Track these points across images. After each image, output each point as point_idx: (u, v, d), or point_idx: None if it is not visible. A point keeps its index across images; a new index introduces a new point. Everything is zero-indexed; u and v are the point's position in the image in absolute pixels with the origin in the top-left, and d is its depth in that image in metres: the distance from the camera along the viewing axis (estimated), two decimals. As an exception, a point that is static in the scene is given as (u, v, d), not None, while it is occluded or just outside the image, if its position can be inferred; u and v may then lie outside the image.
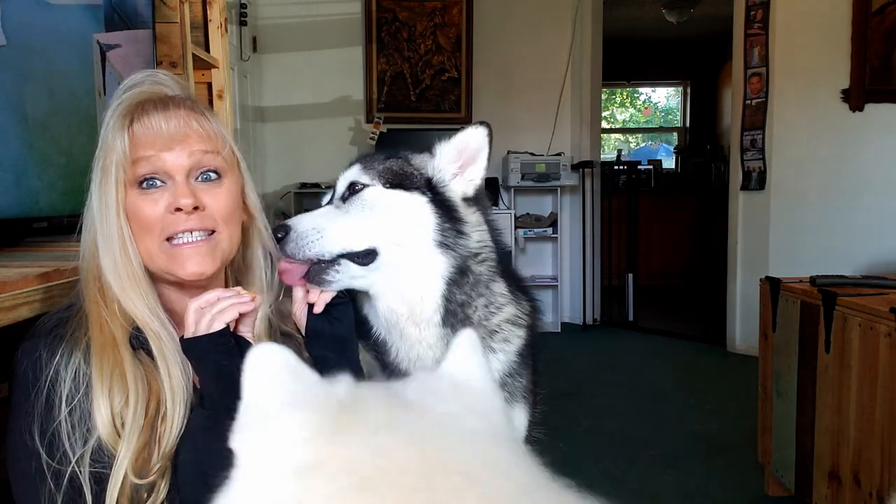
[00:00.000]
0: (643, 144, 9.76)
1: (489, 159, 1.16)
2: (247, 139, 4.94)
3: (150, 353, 0.98)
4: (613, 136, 9.79)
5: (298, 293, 1.11)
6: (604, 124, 8.80)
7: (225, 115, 2.35)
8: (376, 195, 1.10)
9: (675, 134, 9.47)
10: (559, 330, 5.38)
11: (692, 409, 3.56)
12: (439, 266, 1.10)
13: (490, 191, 4.61)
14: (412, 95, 5.51)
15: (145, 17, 1.70)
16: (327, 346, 1.08)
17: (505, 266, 1.19)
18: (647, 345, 5.03)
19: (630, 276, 5.62)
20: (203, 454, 0.90)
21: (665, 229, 6.98)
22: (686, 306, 6.11)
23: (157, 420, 0.95)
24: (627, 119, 10.06)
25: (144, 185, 0.98)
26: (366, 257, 1.09)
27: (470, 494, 0.38)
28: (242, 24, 4.90)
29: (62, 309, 1.01)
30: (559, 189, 5.35)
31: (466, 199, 1.16)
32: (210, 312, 0.95)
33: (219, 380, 0.91)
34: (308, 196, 5.20)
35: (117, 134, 0.96)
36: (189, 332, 0.95)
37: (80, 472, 0.91)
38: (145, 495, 0.92)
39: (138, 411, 0.93)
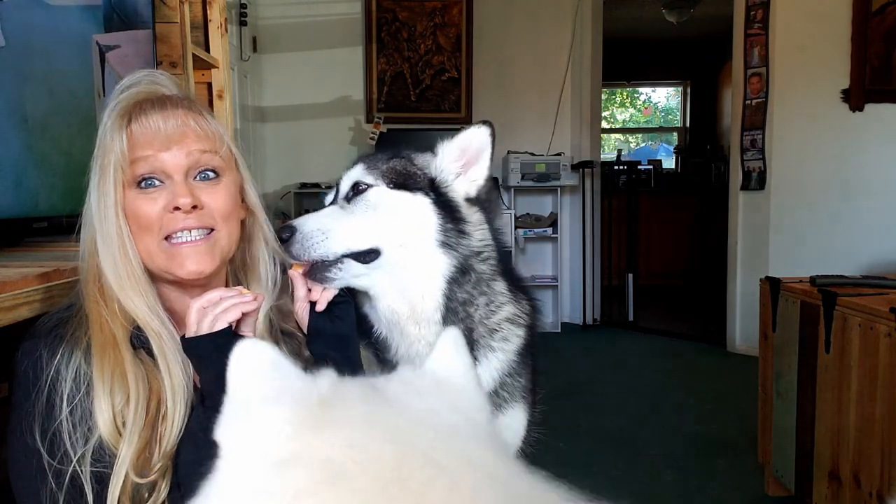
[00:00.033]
0: (643, 144, 9.76)
1: (491, 159, 1.16)
2: (247, 139, 4.94)
3: (150, 353, 0.98)
4: (613, 136, 9.79)
5: (300, 292, 1.11)
6: (604, 124, 8.80)
7: (225, 115, 2.34)
8: (380, 195, 1.10)
9: (675, 134, 9.47)
10: (559, 330, 5.38)
11: (692, 409, 3.56)
12: (441, 266, 1.10)
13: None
14: (412, 95, 5.51)
15: (145, 17, 1.70)
16: (329, 344, 1.08)
17: (505, 265, 1.19)
18: (647, 345, 5.03)
19: (630, 276, 5.62)
20: (204, 453, 0.90)
21: (665, 229, 6.98)
22: (686, 306, 6.11)
23: (158, 419, 0.95)
24: (627, 119, 10.06)
25: (143, 184, 0.98)
26: (368, 255, 1.09)
27: (441, 485, 0.39)
28: (242, 24, 4.91)
29: (62, 309, 1.01)
30: (559, 189, 5.35)
31: (469, 199, 1.16)
32: (213, 312, 0.95)
33: (220, 379, 0.91)
34: (308, 196, 5.21)
35: (115, 134, 0.96)
36: (191, 332, 0.95)
37: (82, 471, 0.91)
38: (146, 495, 0.93)
39: (139, 410, 0.93)
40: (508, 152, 5.24)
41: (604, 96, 8.03)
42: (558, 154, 5.33)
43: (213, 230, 1.02)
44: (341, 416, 0.43)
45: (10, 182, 1.31)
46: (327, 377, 0.47)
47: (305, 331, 1.12)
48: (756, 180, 4.46)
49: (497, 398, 1.16)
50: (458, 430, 0.46)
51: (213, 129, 1.03)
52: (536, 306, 1.23)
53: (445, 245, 1.10)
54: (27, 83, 1.38)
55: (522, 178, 5.18)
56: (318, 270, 1.08)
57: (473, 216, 1.15)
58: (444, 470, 0.40)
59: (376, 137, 5.15)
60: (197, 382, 0.99)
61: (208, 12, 2.30)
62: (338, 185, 1.16)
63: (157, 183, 0.99)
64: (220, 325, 0.94)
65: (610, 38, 5.74)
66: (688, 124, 9.11)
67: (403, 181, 1.12)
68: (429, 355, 0.54)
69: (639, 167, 7.01)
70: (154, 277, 1.03)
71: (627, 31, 7.26)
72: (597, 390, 3.94)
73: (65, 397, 0.92)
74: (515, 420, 1.18)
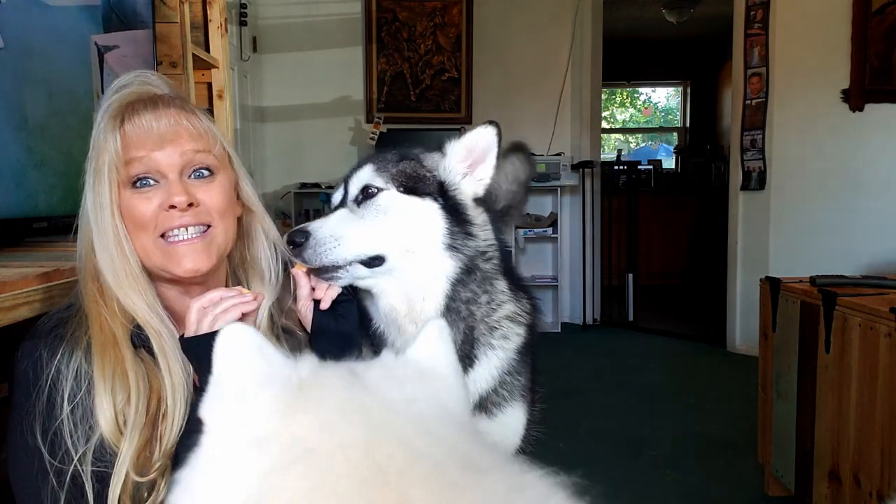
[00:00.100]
0: (643, 144, 9.76)
1: (497, 159, 1.16)
2: (247, 139, 4.94)
3: (150, 351, 0.98)
4: (613, 136, 9.79)
5: (304, 290, 1.11)
6: (604, 124, 8.80)
7: (225, 115, 2.35)
8: (390, 200, 1.10)
9: (675, 134, 9.47)
10: (559, 330, 5.38)
11: (692, 409, 3.56)
12: (446, 268, 1.11)
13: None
14: (412, 95, 5.51)
15: (144, 17, 1.70)
16: (333, 342, 1.09)
17: (506, 265, 1.20)
18: (647, 345, 5.03)
19: (630, 276, 5.61)
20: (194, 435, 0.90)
21: (665, 229, 6.98)
22: (686, 306, 6.11)
23: (159, 417, 0.96)
24: (627, 119, 10.06)
25: (138, 184, 0.99)
26: (374, 261, 1.09)
27: (418, 470, 0.41)
28: (242, 24, 4.91)
29: (62, 309, 1.01)
30: (559, 189, 5.35)
31: (476, 200, 1.16)
32: (212, 312, 0.95)
33: None
34: (308, 196, 5.21)
35: (109, 135, 0.97)
36: (190, 332, 0.95)
37: (83, 470, 0.91)
38: (146, 494, 0.93)
39: (140, 409, 0.94)
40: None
41: (604, 96, 8.03)
42: (558, 154, 5.33)
43: (209, 227, 1.02)
44: (318, 400, 0.46)
45: (9, 182, 1.31)
46: (308, 362, 0.50)
47: (309, 329, 1.12)
48: (756, 180, 4.46)
49: (497, 396, 1.16)
50: (436, 417, 0.48)
51: (206, 128, 1.03)
52: (537, 305, 1.24)
53: (452, 248, 1.10)
54: (26, 84, 1.38)
55: (522, 178, 5.17)
56: (325, 271, 1.08)
57: (479, 217, 1.16)
58: (421, 455, 0.42)
59: (376, 137, 5.15)
60: (196, 382, 0.99)
61: (208, 12, 2.31)
62: (346, 184, 1.15)
63: (151, 182, 0.99)
64: (220, 325, 0.94)
65: (610, 38, 5.74)
66: (688, 124, 9.11)
67: (413, 185, 1.11)
68: (410, 338, 0.56)
69: (639, 167, 7.01)
70: (153, 277, 1.03)
71: (627, 31, 7.26)
72: (597, 390, 3.94)
73: (66, 396, 0.92)
74: (515, 419, 1.19)
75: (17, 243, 1.44)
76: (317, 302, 1.11)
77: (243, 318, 1.00)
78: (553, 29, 5.51)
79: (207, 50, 2.29)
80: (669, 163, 8.72)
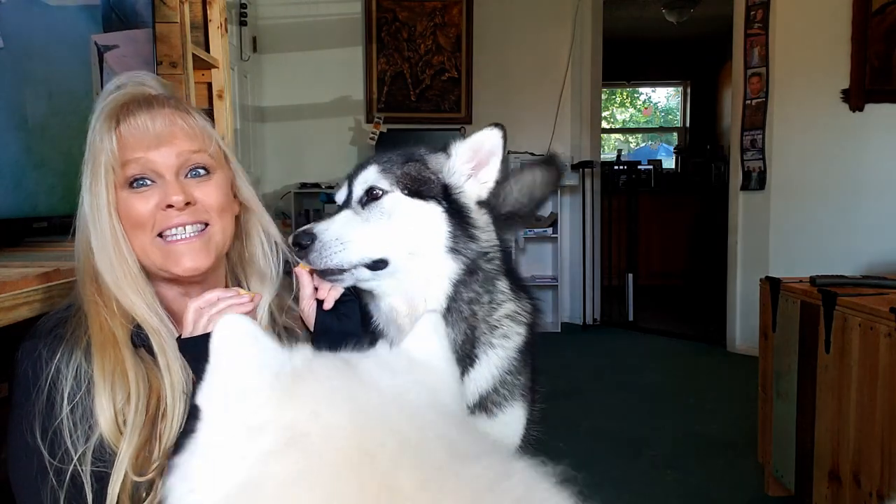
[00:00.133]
0: (643, 144, 9.76)
1: (502, 161, 1.16)
2: (247, 139, 4.94)
3: (150, 351, 0.98)
4: (613, 136, 9.79)
5: (307, 290, 1.11)
6: (604, 124, 8.79)
7: (225, 115, 2.35)
8: (395, 203, 1.10)
9: (675, 134, 9.47)
10: (559, 330, 5.38)
11: (692, 409, 3.56)
12: (448, 270, 1.11)
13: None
14: (412, 95, 5.51)
15: (144, 17, 1.70)
16: (335, 342, 1.08)
17: (507, 265, 1.20)
18: (647, 345, 5.03)
19: (630, 276, 5.61)
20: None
21: (665, 229, 6.98)
22: (686, 306, 6.11)
23: (158, 417, 0.96)
24: (627, 119, 10.06)
25: (135, 184, 0.99)
26: (377, 264, 1.09)
27: (407, 458, 0.42)
28: (242, 24, 4.91)
29: (61, 309, 1.01)
30: (559, 189, 5.35)
31: (479, 202, 1.16)
32: (209, 313, 0.95)
33: None
34: (308, 196, 5.20)
35: (105, 136, 0.97)
36: (187, 332, 0.95)
37: (82, 470, 0.91)
38: (144, 494, 0.93)
39: (140, 408, 0.94)
40: (508, 152, 5.15)
41: (604, 96, 8.03)
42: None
43: (207, 225, 1.03)
44: (311, 388, 0.47)
45: (9, 183, 1.31)
46: (302, 352, 0.51)
47: (312, 328, 1.12)
48: (756, 180, 4.46)
49: (497, 396, 1.16)
50: (426, 406, 0.49)
51: (201, 127, 1.04)
52: (537, 305, 1.24)
53: (454, 251, 1.10)
54: (26, 84, 1.38)
55: (522, 178, 5.17)
56: (329, 273, 1.08)
57: (482, 219, 1.16)
58: (410, 443, 0.43)
59: (376, 137, 5.15)
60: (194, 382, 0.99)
61: (208, 12, 2.31)
62: (350, 183, 1.15)
63: (148, 182, 1.00)
64: (214, 325, 0.94)
65: (610, 38, 5.74)
66: (688, 124, 9.11)
67: (418, 188, 1.11)
68: (407, 335, 0.57)
69: (639, 167, 7.02)
70: (152, 277, 1.03)
71: (627, 31, 7.26)
72: (597, 390, 3.94)
73: (65, 396, 0.92)
74: (515, 418, 1.19)
75: (17, 243, 1.44)
76: (320, 302, 1.11)
77: None
78: (553, 29, 5.51)
79: (207, 50, 2.29)
80: (669, 163, 8.72)
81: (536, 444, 1.25)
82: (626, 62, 7.95)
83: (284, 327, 1.13)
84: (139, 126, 0.98)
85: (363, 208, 1.11)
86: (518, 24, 5.49)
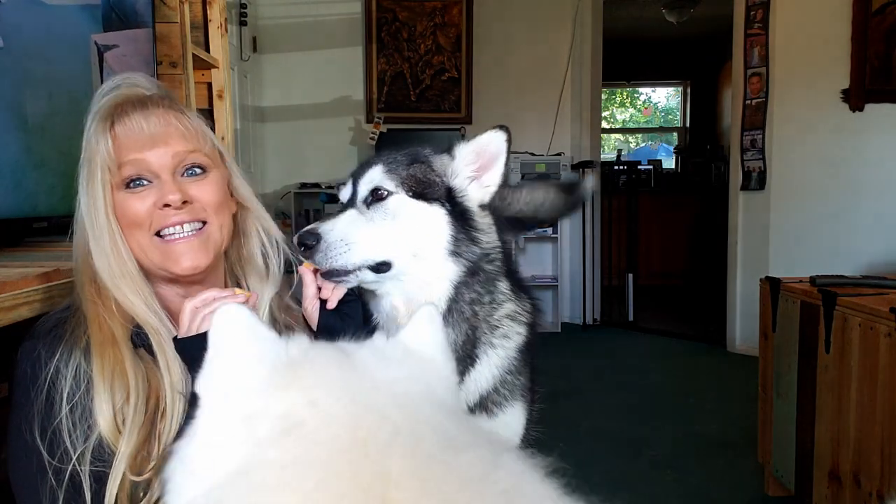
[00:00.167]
0: (643, 144, 9.76)
1: (506, 165, 1.16)
2: (247, 139, 4.94)
3: (150, 351, 0.98)
4: (613, 136, 9.79)
5: (310, 289, 1.11)
6: (604, 124, 8.80)
7: (225, 115, 2.35)
8: (400, 205, 1.10)
9: (675, 134, 9.47)
10: (559, 330, 5.38)
11: (692, 409, 3.56)
12: (450, 273, 1.11)
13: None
14: (412, 95, 5.51)
15: (144, 16, 1.70)
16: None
17: (508, 265, 1.20)
18: (647, 345, 5.03)
19: (630, 276, 5.61)
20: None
21: (665, 229, 6.98)
22: (686, 306, 6.11)
23: (157, 416, 0.96)
24: (627, 119, 10.06)
25: (131, 185, 1.00)
26: (381, 266, 1.09)
27: (398, 446, 0.43)
28: (242, 24, 4.91)
29: (60, 310, 1.01)
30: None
31: (482, 206, 1.16)
32: (203, 312, 0.95)
33: None
34: (308, 196, 5.20)
35: (100, 137, 0.98)
36: (183, 332, 0.95)
37: (81, 469, 0.91)
38: (142, 494, 0.93)
39: (139, 407, 0.94)
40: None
41: (604, 96, 8.03)
42: (558, 154, 5.33)
43: (205, 223, 1.03)
44: (306, 377, 0.48)
45: (9, 183, 1.31)
46: (299, 342, 0.53)
47: (315, 328, 1.12)
48: (756, 180, 4.46)
49: (497, 396, 1.16)
50: (420, 397, 0.50)
51: (196, 126, 1.04)
52: (538, 306, 1.24)
53: (455, 254, 1.11)
54: (26, 84, 1.38)
55: (522, 177, 5.16)
56: (334, 275, 1.08)
57: (484, 221, 1.16)
58: (402, 432, 0.44)
59: (376, 137, 5.15)
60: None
61: (208, 12, 2.31)
62: (355, 182, 1.15)
63: (145, 182, 1.00)
64: (206, 325, 0.94)
65: (610, 38, 5.74)
66: (688, 124, 9.11)
67: (422, 190, 1.11)
68: (403, 327, 0.58)
69: (639, 167, 7.02)
70: (152, 277, 1.03)
71: (627, 31, 7.26)
72: (597, 390, 3.94)
73: (64, 395, 0.92)
74: (514, 418, 1.19)
75: (17, 243, 1.44)
76: (323, 301, 1.11)
77: None
78: (553, 29, 5.51)
79: (207, 50, 2.29)
80: (669, 163, 8.72)
81: (536, 444, 1.25)
82: (626, 62, 7.95)
83: (285, 326, 1.13)
84: (133, 126, 0.99)
85: (368, 208, 1.11)
86: (518, 24, 5.49)
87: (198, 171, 1.04)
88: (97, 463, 0.92)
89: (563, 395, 3.71)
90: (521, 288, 1.22)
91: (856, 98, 4.19)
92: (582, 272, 5.51)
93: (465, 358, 1.12)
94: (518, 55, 5.50)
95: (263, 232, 1.13)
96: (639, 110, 9.98)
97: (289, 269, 1.15)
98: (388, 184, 1.10)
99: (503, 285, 1.17)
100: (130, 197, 0.99)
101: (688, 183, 7.56)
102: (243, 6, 4.88)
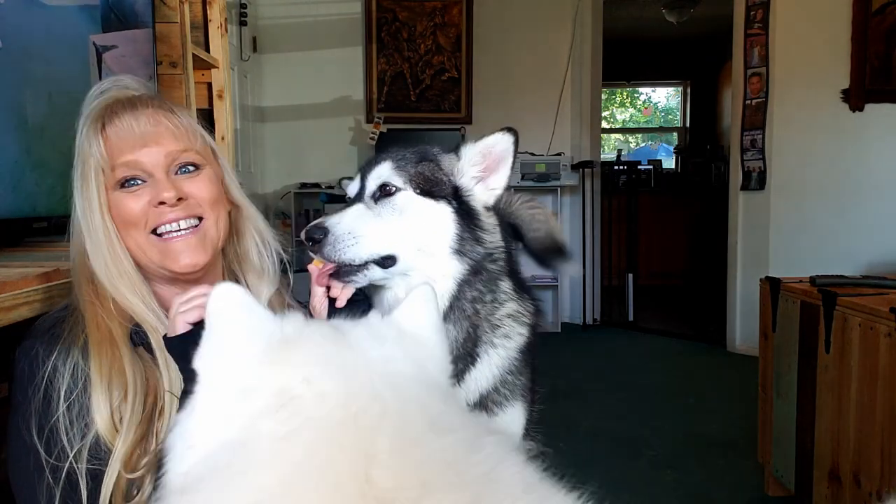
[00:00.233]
0: (643, 144, 9.76)
1: (512, 167, 1.16)
2: (247, 139, 4.94)
3: (149, 349, 0.98)
4: (613, 136, 9.79)
5: (319, 288, 1.12)
6: (604, 124, 8.80)
7: (225, 115, 2.35)
8: (407, 201, 1.11)
9: (675, 134, 9.47)
10: (559, 330, 5.38)
11: (692, 409, 3.56)
12: (453, 271, 1.12)
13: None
14: (412, 95, 5.51)
15: (143, 16, 1.70)
16: None
17: (510, 265, 1.20)
18: (647, 345, 5.03)
19: (630, 276, 5.61)
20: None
21: (665, 229, 6.98)
22: (686, 306, 6.11)
23: (155, 415, 0.96)
24: (627, 119, 10.06)
25: (126, 184, 1.00)
26: (387, 261, 1.10)
27: (387, 424, 0.45)
28: (242, 24, 4.91)
29: (59, 309, 1.02)
30: (559, 189, 5.35)
31: (487, 207, 1.17)
32: (185, 307, 0.95)
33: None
34: (308, 196, 5.20)
35: (92, 139, 0.98)
36: (170, 330, 0.95)
37: (77, 467, 0.91)
38: (135, 492, 0.93)
39: (136, 406, 0.94)
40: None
41: (604, 96, 8.04)
42: (558, 154, 5.33)
43: (201, 220, 1.04)
44: (301, 354, 0.50)
45: (9, 183, 1.31)
46: (294, 320, 0.55)
47: None
48: (756, 180, 4.46)
49: (497, 395, 1.16)
50: (411, 376, 0.52)
51: (186, 124, 1.05)
52: (540, 307, 1.24)
53: (460, 253, 1.12)
54: (25, 84, 1.38)
55: (522, 178, 5.17)
56: (345, 273, 1.09)
57: (489, 221, 1.17)
58: (391, 410, 0.46)
59: (376, 137, 5.15)
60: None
61: (208, 12, 2.31)
62: (363, 177, 1.15)
63: (139, 182, 1.01)
64: (181, 325, 0.92)
65: (610, 38, 5.74)
66: (688, 124, 9.11)
67: (430, 188, 1.12)
68: (398, 306, 0.60)
69: (639, 167, 7.02)
70: (150, 277, 1.04)
71: (627, 31, 7.26)
72: (597, 390, 3.94)
73: (62, 394, 0.93)
74: (515, 418, 1.19)
75: (17, 243, 1.44)
76: (331, 300, 1.11)
77: None
78: (553, 29, 5.51)
79: (207, 50, 2.29)
80: (669, 163, 8.72)
81: (536, 443, 1.25)
82: (626, 62, 7.95)
83: None
84: (124, 127, 1.00)
85: (375, 203, 1.12)
86: (518, 24, 5.49)
87: (191, 168, 1.04)
88: (94, 461, 0.92)
89: (563, 395, 3.71)
90: (523, 288, 1.22)
91: (856, 98, 4.19)
92: (582, 272, 5.51)
93: (466, 356, 1.12)
94: (518, 55, 5.50)
95: (256, 231, 1.14)
96: (639, 110, 9.98)
97: (283, 269, 1.16)
98: (397, 180, 1.11)
99: (505, 285, 1.18)
100: (125, 196, 1.00)
101: (688, 183, 7.56)
102: (243, 6, 4.88)
